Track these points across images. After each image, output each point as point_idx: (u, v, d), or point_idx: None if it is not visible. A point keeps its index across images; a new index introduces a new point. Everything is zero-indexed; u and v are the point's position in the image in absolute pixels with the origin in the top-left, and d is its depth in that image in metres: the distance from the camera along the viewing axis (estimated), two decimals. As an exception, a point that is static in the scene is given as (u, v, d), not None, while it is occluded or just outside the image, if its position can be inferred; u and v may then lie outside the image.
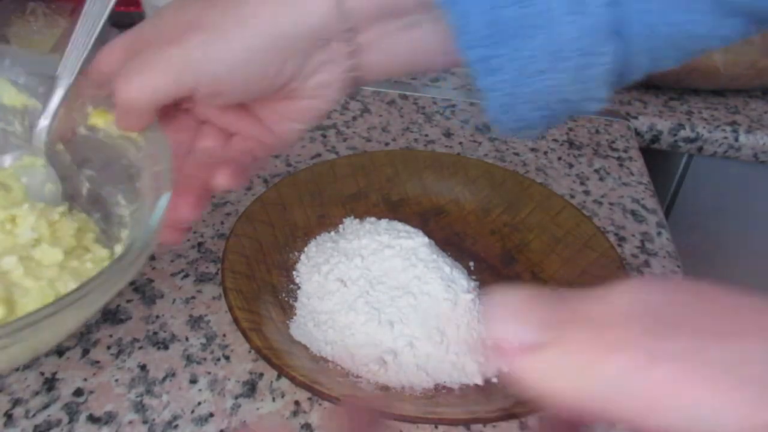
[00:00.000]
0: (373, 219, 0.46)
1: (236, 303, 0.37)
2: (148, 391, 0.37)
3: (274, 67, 0.32)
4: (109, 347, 0.39)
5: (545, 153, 0.61)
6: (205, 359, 0.39)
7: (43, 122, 0.38)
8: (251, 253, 0.42)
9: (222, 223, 0.49)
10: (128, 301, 0.42)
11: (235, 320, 0.36)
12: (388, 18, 0.31)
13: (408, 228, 0.44)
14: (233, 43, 0.31)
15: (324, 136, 0.60)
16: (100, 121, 0.39)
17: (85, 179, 0.41)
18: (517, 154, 0.60)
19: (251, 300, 0.39)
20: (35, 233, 0.36)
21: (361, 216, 0.47)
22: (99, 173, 0.40)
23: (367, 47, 0.32)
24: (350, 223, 0.46)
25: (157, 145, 0.35)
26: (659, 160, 0.73)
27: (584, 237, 0.42)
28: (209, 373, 0.38)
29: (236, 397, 0.37)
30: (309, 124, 0.37)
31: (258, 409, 0.36)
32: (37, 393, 0.36)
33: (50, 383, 0.36)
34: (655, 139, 0.70)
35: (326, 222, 0.47)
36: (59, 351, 0.38)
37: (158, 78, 0.32)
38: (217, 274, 0.44)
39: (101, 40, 0.37)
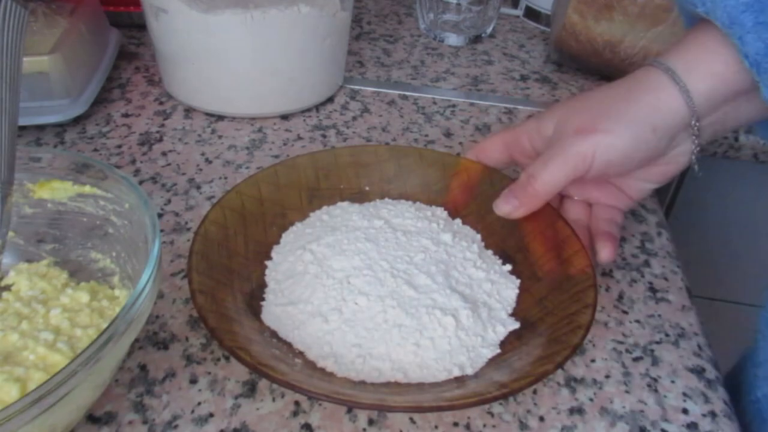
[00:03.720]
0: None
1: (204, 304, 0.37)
2: (148, 391, 0.37)
3: (649, 150, 0.42)
4: (109, 347, 0.39)
5: (545, 153, 0.61)
6: (205, 359, 0.39)
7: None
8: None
9: (222, 223, 0.49)
10: (128, 301, 0.42)
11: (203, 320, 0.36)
12: (723, 106, 0.41)
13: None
14: (622, 138, 0.41)
15: (324, 136, 0.60)
16: (46, 192, 0.39)
17: (47, 255, 0.40)
18: (517, 154, 0.60)
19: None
20: (36, 291, 0.36)
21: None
22: (60, 243, 0.39)
23: (709, 125, 0.42)
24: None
25: (122, 191, 0.36)
26: (659, 160, 0.73)
27: (567, 253, 0.42)
28: (209, 373, 0.38)
29: (236, 397, 0.37)
30: (660, 183, 0.46)
31: (258, 409, 0.36)
32: (37, 393, 0.36)
33: (50, 383, 0.36)
34: (655, 139, 0.70)
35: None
36: (59, 351, 0.38)
37: (563, 171, 0.42)
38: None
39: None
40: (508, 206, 0.44)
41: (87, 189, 0.38)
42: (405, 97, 0.68)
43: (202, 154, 0.57)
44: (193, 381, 0.37)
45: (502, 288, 0.42)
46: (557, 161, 0.42)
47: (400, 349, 0.37)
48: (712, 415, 0.38)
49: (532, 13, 0.86)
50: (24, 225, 0.40)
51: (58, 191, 0.39)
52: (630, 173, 0.45)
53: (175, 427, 0.35)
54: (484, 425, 0.36)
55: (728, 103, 0.41)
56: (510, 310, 0.41)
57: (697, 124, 0.41)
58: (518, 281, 0.43)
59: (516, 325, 0.39)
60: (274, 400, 0.37)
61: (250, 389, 0.37)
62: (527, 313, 0.40)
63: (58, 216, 0.39)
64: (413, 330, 0.37)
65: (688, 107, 0.40)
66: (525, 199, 0.43)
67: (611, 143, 0.41)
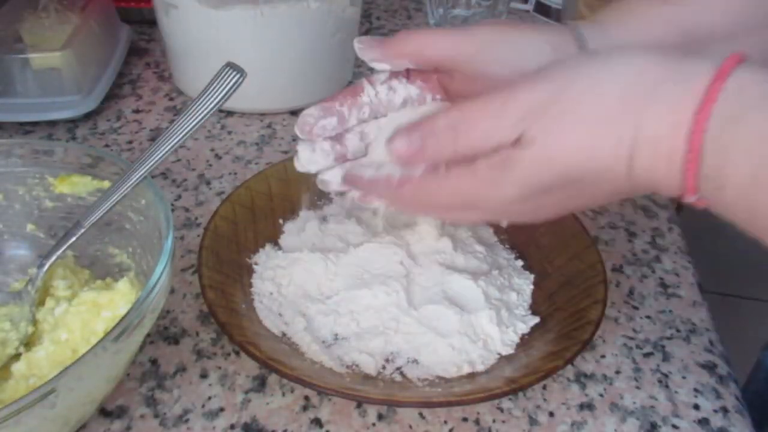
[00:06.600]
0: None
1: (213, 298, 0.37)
2: (159, 386, 0.37)
3: None
4: (120, 342, 0.39)
5: (555, 148, 0.61)
6: (215, 354, 0.39)
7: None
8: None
9: (232, 218, 0.49)
10: (139, 296, 0.42)
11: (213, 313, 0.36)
12: None
13: None
14: None
15: (333, 131, 0.60)
16: (66, 186, 0.40)
17: (68, 249, 0.38)
18: (527, 149, 0.60)
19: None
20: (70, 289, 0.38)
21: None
22: (79, 238, 0.38)
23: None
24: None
25: (139, 187, 0.36)
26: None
27: (577, 248, 0.42)
28: (219, 367, 0.38)
29: (246, 392, 0.37)
30: None
31: (268, 403, 0.36)
32: (49, 387, 0.36)
33: (63, 377, 0.37)
34: (667, 133, 0.70)
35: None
36: (71, 345, 0.39)
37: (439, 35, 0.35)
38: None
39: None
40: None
41: (106, 184, 0.39)
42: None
43: (212, 150, 0.57)
44: (204, 375, 0.38)
45: (518, 284, 0.42)
46: None
47: (412, 345, 0.37)
48: (724, 410, 0.37)
49: (542, 8, 0.85)
50: (44, 218, 0.41)
51: (78, 186, 0.40)
52: None
53: (186, 420, 0.35)
54: (494, 420, 0.36)
55: None
56: (527, 306, 0.41)
57: None
58: (532, 276, 0.42)
59: (536, 320, 0.39)
60: (284, 394, 0.37)
61: (260, 384, 0.37)
62: (537, 308, 0.40)
63: (77, 210, 0.40)
64: (426, 328, 0.38)
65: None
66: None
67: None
